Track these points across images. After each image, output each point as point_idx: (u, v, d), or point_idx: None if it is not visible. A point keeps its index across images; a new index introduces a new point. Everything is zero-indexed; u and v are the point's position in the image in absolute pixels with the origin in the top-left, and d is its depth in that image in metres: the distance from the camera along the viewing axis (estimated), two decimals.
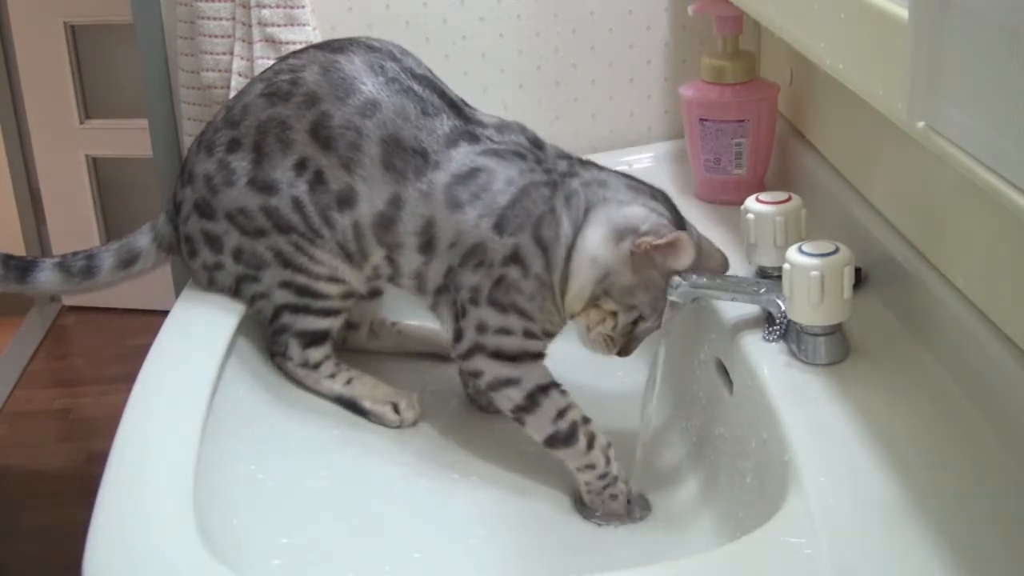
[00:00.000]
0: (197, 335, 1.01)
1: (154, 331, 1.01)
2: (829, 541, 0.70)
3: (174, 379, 0.95)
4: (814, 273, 0.86)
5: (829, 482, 0.75)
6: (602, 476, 0.96)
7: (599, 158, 1.43)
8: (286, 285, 1.03)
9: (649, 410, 0.97)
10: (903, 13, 0.66)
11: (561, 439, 0.96)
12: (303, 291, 1.03)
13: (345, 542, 0.89)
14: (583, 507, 0.97)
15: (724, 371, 0.99)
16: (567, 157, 1.01)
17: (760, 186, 1.24)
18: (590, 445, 0.96)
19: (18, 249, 2.91)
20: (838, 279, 0.87)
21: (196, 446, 0.85)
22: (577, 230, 0.95)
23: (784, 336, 0.92)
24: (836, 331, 0.89)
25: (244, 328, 1.03)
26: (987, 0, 0.55)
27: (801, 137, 1.25)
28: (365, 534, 0.91)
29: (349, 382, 1.06)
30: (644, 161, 1.37)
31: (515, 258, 0.95)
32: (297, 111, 1.00)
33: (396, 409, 1.05)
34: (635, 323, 0.96)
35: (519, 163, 0.98)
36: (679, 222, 0.97)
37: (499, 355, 0.96)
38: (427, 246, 0.98)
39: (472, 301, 0.96)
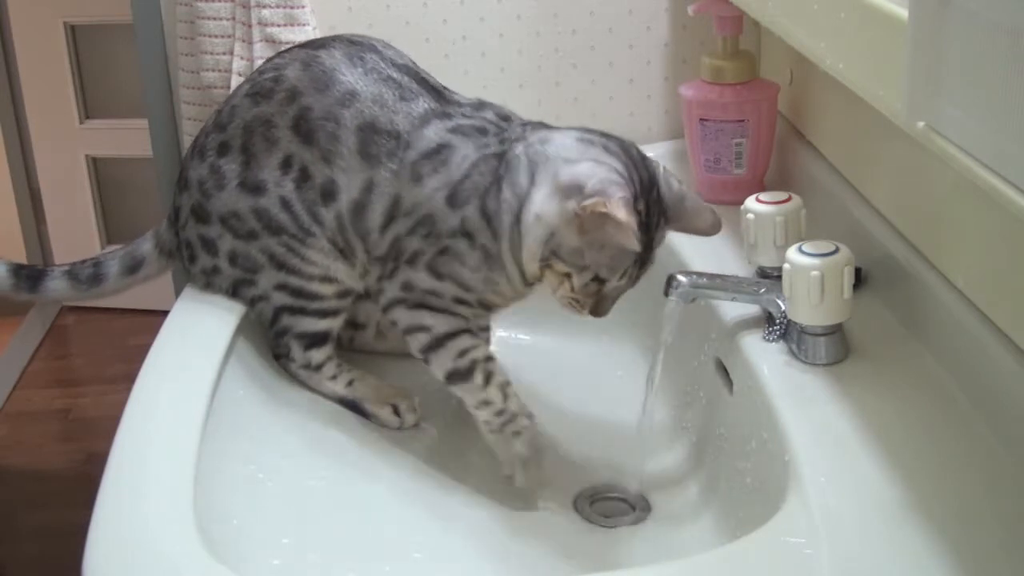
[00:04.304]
0: (197, 335, 1.01)
1: (154, 331, 1.01)
2: (829, 541, 0.70)
3: (174, 379, 0.95)
4: (814, 273, 0.86)
5: (829, 482, 0.75)
6: (499, 412, 0.97)
7: None
8: (281, 287, 1.03)
9: (649, 410, 0.96)
10: (903, 13, 0.66)
11: (460, 375, 0.97)
12: (298, 293, 1.03)
13: (345, 542, 0.89)
14: (584, 507, 0.98)
15: (724, 371, 0.99)
16: (526, 124, 0.98)
17: (760, 186, 1.24)
18: (487, 381, 0.97)
19: (18, 248, 2.91)
20: (838, 279, 0.87)
21: (196, 446, 0.85)
22: (523, 194, 0.92)
23: (784, 336, 0.92)
24: (836, 331, 0.89)
25: (244, 328, 1.03)
26: (987, 0, 0.55)
27: (801, 137, 1.25)
28: (365, 534, 0.91)
29: (351, 383, 1.06)
30: None
31: (463, 231, 0.94)
32: (280, 108, 1.00)
33: (396, 411, 1.05)
34: (599, 283, 0.93)
35: (480, 139, 0.96)
36: (641, 175, 0.92)
37: (420, 305, 0.97)
38: (388, 224, 0.98)
39: (409, 263, 0.96)
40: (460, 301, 0.97)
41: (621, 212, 0.85)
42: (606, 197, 0.86)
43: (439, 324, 0.97)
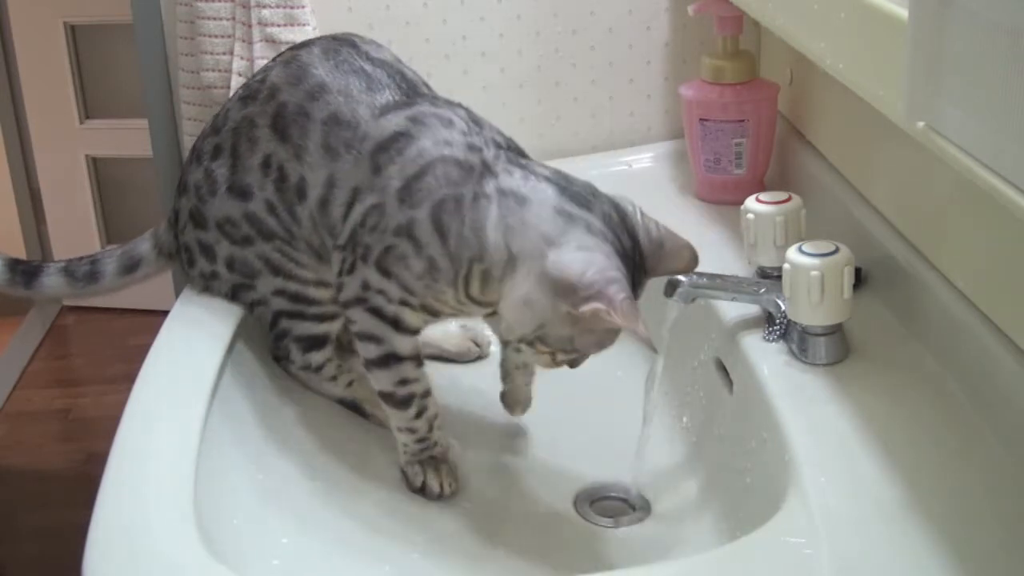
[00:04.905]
0: (197, 335, 1.01)
1: (154, 331, 1.01)
2: (829, 541, 0.70)
3: (174, 379, 0.95)
4: (814, 273, 0.86)
5: (829, 482, 0.75)
6: (420, 440, 0.97)
7: (599, 158, 1.42)
8: (280, 292, 1.02)
9: (649, 410, 0.96)
10: (903, 13, 0.66)
11: (395, 401, 0.96)
12: (296, 298, 1.02)
13: (345, 542, 0.89)
14: (584, 507, 0.98)
15: (724, 371, 0.99)
16: (500, 146, 0.93)
17: (760, 186, 1.24)
18: (418, 415, 0.97)
19: (18, 248, 2.92)
20: (838, 279, 0.87)
21: (196, 446, 0.85)
22: (491, 249, 0.87)
23: (784, 336, 0.92)
24: (836, 331, 0.89)
25: (243, 329, 1.03)
26: (987, 0, 0.55)
27: (801, 137, 1.25)
28: (365, 534, 0.91)
29: (350, 384, 1.06)
30: (644, 161, 1.37)
31: (408, 232, 0.90)
32: (261, 107, 1.00)
33: None
34: (581, 353, 0.90)
35: (442, 132, 0.92)
36: (624, 245, 0.86)
37: (376, 312, 0.95)
38: (348, 214, 0.95)
39: (363, 258, 0.94)
40: (405, 303, 0.94)
41: (634, 322, 0.81)
42: (607, 301, 0.81)
43: (390, 338, 0.95)
